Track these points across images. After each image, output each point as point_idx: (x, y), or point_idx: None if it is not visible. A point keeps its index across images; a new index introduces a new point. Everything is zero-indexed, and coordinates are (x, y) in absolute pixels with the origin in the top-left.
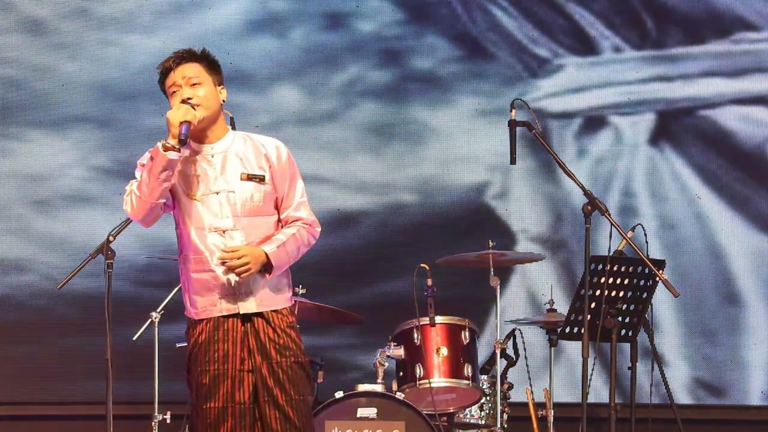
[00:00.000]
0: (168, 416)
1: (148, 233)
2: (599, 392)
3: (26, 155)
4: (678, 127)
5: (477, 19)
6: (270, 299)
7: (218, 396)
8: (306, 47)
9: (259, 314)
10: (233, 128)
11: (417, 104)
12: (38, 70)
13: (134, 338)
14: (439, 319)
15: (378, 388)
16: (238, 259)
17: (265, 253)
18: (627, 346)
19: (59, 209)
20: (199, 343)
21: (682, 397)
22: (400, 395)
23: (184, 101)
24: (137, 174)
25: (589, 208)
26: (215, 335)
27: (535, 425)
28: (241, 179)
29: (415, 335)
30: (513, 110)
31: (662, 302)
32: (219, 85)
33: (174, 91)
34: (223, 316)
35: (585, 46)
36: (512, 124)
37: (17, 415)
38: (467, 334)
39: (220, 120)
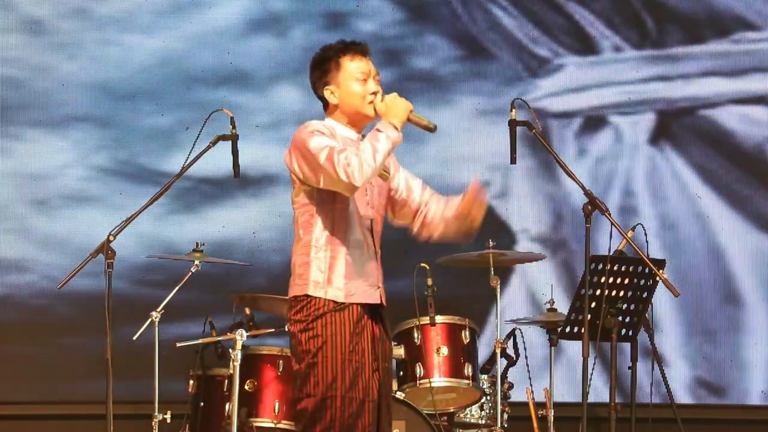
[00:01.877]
0: (168, 416)
1: (148, 233)
2: (599, 392)
3: (26, 155)
4: (678, 127)
5: (477, 18)
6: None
7: (359, 388)
8: (306, 47)
9: (383, 310)
10: (233, 127)
11: (417, 104)
12: (38, 70)
13: (134, 338)
14: (439, 318)
15: None
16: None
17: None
18: (627, 345)
19: (59, 209)
20: (339, 332)
21: (682, 396)
22: (400, 395)
23: (373, 93)
24: (328, 142)
25: (590, 207)
26: (357, 327)
27: (535, 425)
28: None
29: (416, 335)
30: (513, 110)
31: (662, 302)
32: None
33: (364, 78)
34: (365, 306)
35: (585, 46)
36: (512, 124)
37: (17, 414)
38: (467, 333)
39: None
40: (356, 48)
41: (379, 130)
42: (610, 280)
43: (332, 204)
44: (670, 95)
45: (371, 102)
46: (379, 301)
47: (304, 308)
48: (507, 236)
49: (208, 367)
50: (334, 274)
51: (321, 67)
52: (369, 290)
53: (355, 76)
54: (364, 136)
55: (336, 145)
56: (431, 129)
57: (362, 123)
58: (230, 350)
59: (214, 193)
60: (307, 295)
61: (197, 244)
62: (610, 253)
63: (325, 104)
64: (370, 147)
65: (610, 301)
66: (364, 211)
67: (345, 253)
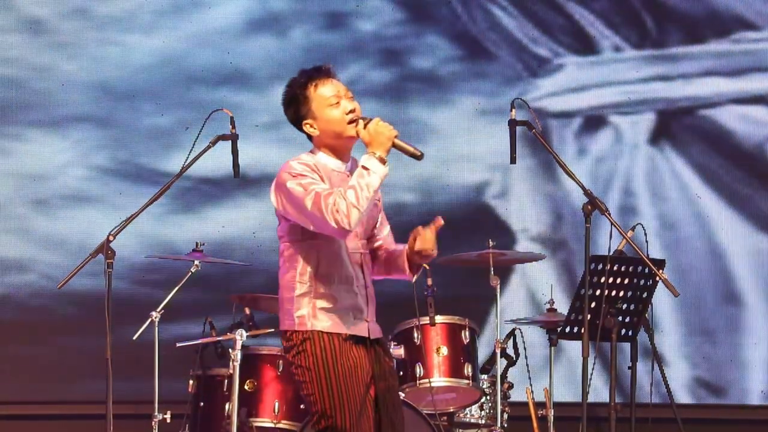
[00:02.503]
0: (168, 416)
1: (148, 233)
2: (599, 392)
3: (26, 155)
4: (678, 126)
5: (477, 18)
6: (379, 327)
7: (367, 409)
8: (306, 47)
9: (377, 340)
10: (233, 127)
11: (417, 104)
12: (38, 69)
13: (134, 338)
14: (439, 318)
15: None
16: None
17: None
18: (627, 345)
19: (59, 209)
20: (330, 355)
21: (682, 396)
22: (400, 395)
23: (350, 112)
24: (314, 186)
25: (589, 207)
26: (351, 352)
27: (535, 425)
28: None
29: (415, 335)
30: (513, 110)
31: (662, 302)
32: None
33: (336, 102)
34: (356, 338)
35: (585, 46)
36: (512, 124)
37: (17, 414)
38: (467, 333)
39: None
40: (318, 74)
41: (365, 168)
42: (610, 280)
43: (317, 239)
44: (670, 95)
45: (351, 121)
46: (366, 335)
47: (293, 338)
48: (507, 236)
49: (208, 367)
50: (318, 311)
51: (292, 105)
52: (356, 324)
53: (327, 102)
54: (352, 170)
55: (321, 187)
56: (418, 157)
57: (347, 146)
58: (230, 350)
59: (214, 193)
60: (295, 330)
61: (197, 244)
62: (610, 253)
63: (309, 138)
64: (357, 188)
65: (610, 301)
66: (353, 245)
67: (330, 289)
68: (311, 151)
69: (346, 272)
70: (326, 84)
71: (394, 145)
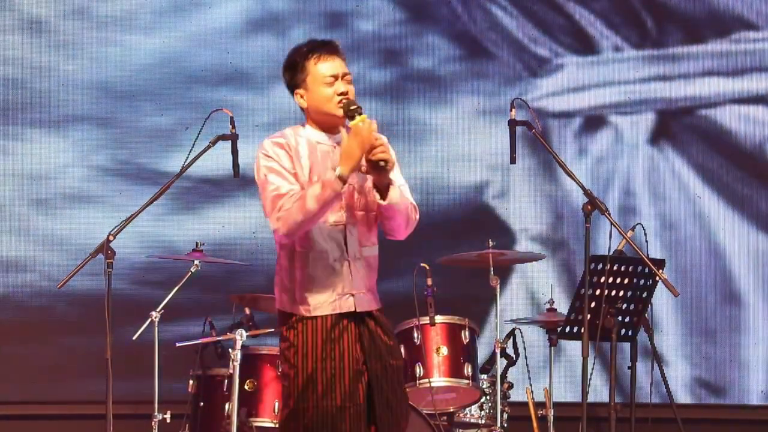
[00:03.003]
0: (168, 416)
1: (148, 233)
2: (599, 392)
3: (26, 155)
4: (678, 126)
5: (477, 18)
6: (375, 298)
7: (334, 394)
8: None
9: (370, 314)
10: (233, 127)
11: (417, 104)
12: (38, 69)
13: (134, 338)
14: (439, 318)
15: None
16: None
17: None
18: (627, 345)
19: (59, 209)
20: (311, 340)
21: (682, 396)
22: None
23: (341, 94)
24: (277, 182)
25: (589, 207)
26: (332, 333)
27: (535, 425)
28: (362, 171)
29: (415, 335)
30: (513, 110)
31: (662, 302)
32: None
33: (331, 82)
34: (339, 314)
35: (585, 46)
36: (512, 124)
37: (17, 414)
38: (467, 333)
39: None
40: (323, 48)
41: (324, 182)
42: (610, 280)
43: None
44: (670, 95)
45: (339, 102)
46: (352, 309)
47: (282, 321)
48: (507, 236)
49: (208, 367)
50: (298, 290)
51: (289, 71)
52: (338, 300)
53: (323, 80)
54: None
55: (282, 182)
56: (384, 168)
57: (333, 124)
58: (230, 350)
59: (214, 193)
60: (283, 311)
61: (197, 244)
62: (610, 253)
63: (302, 109)
64: (308, 199)
65: (609, 301)
66: (336, 218)
67: (307, 266)
68: (302, 124)
69: (319, 247)
70: (327, 60)
71: (367, 160)
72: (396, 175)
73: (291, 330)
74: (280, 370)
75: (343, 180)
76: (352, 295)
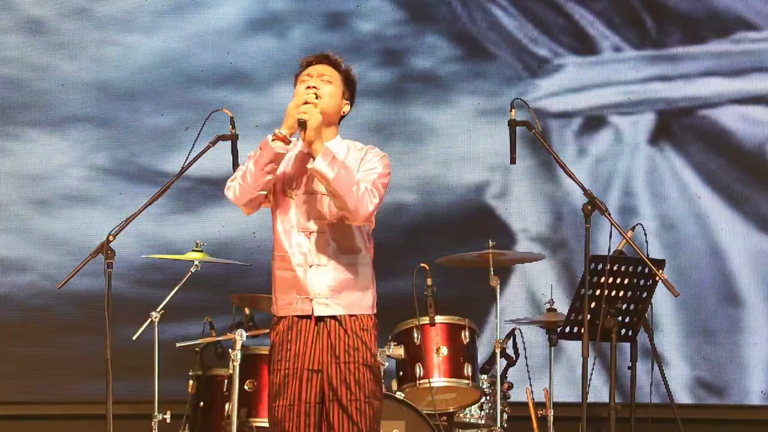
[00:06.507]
0: (168, 416)
1: (148, 233)
2: (599, 392)
3: (26, 155)
4: (678, 127)
5: (477, 18)
6: (348, 304)
7: (287, 394)
8: (306, 47)
9: (333, 317)
10: (233, 127)
11: (417, 104)
12: (38, 70)
13: (134, 338)
14: (439, 318)
15: None
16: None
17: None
18: (627, 345)
19: (59, 209)
20: (276, 342)
21: (682, 396)
22: (399, 395)
23: (309, 87)
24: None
25: (589, 207)
26: (288, 335)
27: (535, 425)
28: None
29: (415, 335)
30: (513, 110)
31: (662, 302)
32: (346, 99)
33: (303, 80)
34: (298, 316)
35: (585, 46)
36: (512, 124)
37: (17, 414)
38: (467, 333)
39: (333, 130)
40: (315, 59)
41: (261, 144)
42: (610, 280)
43: (274, 220)
44: (670, 95)
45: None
46: (309, 313)
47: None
48: (507, 236)
49: (208, 367)
50: (274, 290)
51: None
52: (295, 304)
53: (300, 80)
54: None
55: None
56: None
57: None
58: (230, 350)
59: (214, 193)
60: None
61: (197, 243)
62: (610, 253)
63: None
64: (247, 164)
65: (609, 301)
66: (304, 224)
67: (277, 269)
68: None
69: (285, 251)
70: (309, 66)
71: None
72: (371, 158)
73: (272, 331)
74: None
75: (277, 137)
76: (311, 300)
